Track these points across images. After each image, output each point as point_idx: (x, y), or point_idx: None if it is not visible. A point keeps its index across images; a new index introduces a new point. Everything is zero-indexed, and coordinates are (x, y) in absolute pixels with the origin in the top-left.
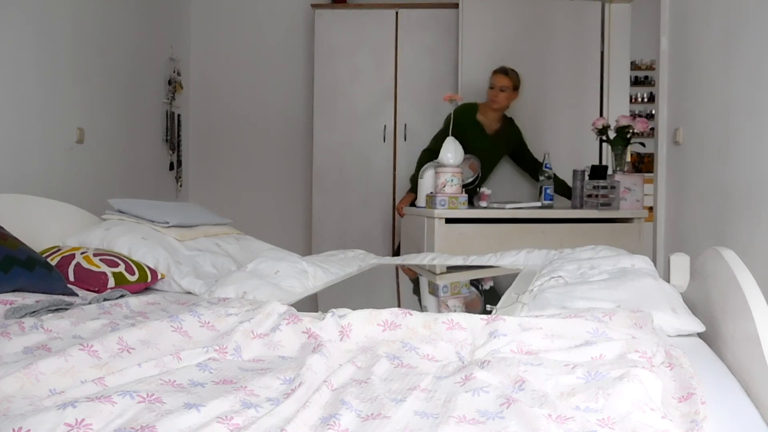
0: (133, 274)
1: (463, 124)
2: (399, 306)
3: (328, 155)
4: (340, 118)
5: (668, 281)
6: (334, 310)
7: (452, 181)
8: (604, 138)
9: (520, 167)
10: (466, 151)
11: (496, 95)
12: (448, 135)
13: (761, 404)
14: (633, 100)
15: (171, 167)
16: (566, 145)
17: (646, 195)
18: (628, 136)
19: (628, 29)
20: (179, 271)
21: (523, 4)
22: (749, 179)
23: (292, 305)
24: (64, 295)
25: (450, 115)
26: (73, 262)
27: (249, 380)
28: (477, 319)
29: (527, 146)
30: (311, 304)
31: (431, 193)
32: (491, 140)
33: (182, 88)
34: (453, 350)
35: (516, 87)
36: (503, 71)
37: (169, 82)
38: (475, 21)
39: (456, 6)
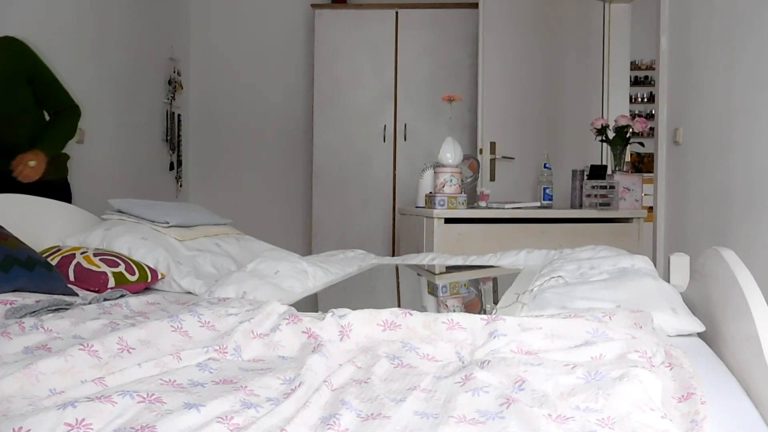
0: (133, 274)
1: None
2: (399, 306)
3: (328, 155)
4: (340, 118)
5: (668, 281)
6: (334, 310)
7: (451, 181)
8: (603, 138)
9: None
10: None
11: None
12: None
13: (761, 404)
14: (633, 100)
15: (171, 167)
16: (569, 144)
17: (646, 195)
18: (627, 135)
19: (628, 29)
20: (179, 271)
21: (534, 3)
22: (749, 179)
23: (292, 305)
24: (64, 295)
25: None
26: (73, 262)
27: (249, 380)
28: (477, 319)
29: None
30: (311, 304)
31: (430, 192)
32: None
33: (182, 88)
34: (453, 350)
35: None
36: None
37: (169, 82)
38: (492, 21)
39: (461, 6)
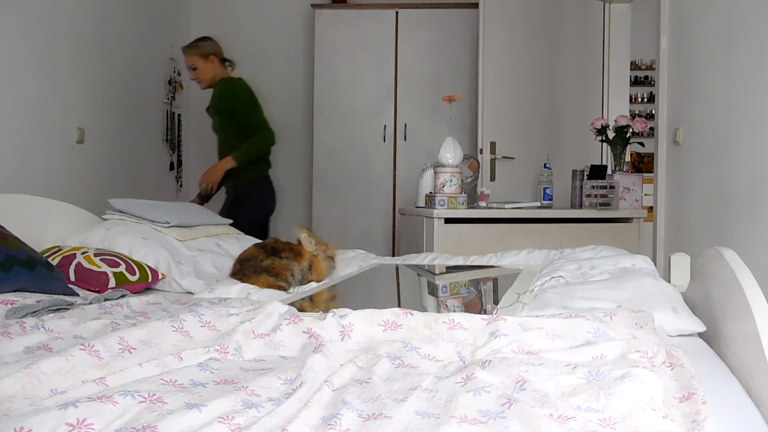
0: (133, 274)
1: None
2: (399, 306)
3: (328, 155)
4: (340, 118)
5: (669, 281)
6: (334, 310)
7: (451, 181)
8: (603, 138)
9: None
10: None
11: (193, 76)
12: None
13: (762, 404)
14: (633, 100)
15: (171, 167)
16: (569, 144)
17: (646, 195)
18: (627, 135)
19: (628, 29)
20: (180, 271)
21: (534, 3)
22: (749, 179)
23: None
24: (65, 295)
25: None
26: (74, 262)
27: (250, 380)
28: (478, 319)
29: (243, 111)
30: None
31: (430, 192)
32: (210, 108)
33: (182, 88)
34: (454, 350)
35: (206, 54)
36: (183, 51)
37: (169, 82)
38: (492, 20)
39: (461, 6)
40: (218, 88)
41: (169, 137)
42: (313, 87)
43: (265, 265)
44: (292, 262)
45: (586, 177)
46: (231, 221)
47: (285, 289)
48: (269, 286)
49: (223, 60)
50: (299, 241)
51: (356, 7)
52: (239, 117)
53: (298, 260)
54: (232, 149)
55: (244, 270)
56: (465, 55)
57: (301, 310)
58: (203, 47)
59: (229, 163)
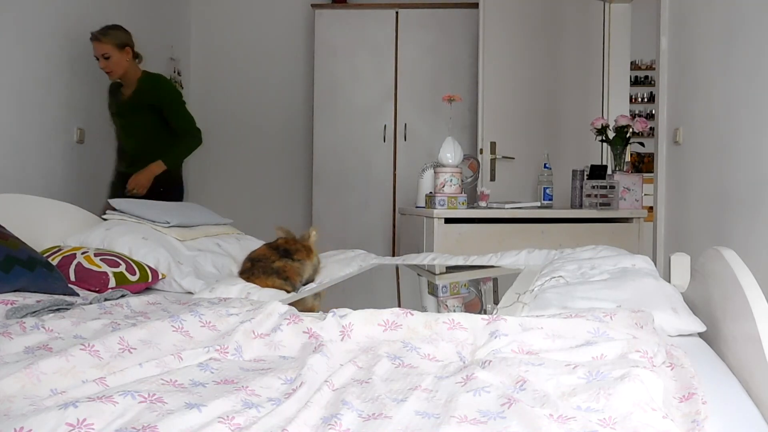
0: (134, 274)
1: (111, 99)
2: (399, 306)
3: (328, 155)
4: (340, 118)
5: (669, 281)
6: (334, 310)
7: (451, 181)
8: (603, 138)
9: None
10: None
11: (104, 65)
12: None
13: (762, 404)
14: (633, 100)
15: None
16: (569, 144)
17: (646, 195)
18: (627, 135)
19: (628, 29)
20: (180, 271)
21: (534, 3)
22: (749, 179)
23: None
24: (65, 295)
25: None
26: (74, 262)
27: (250, 380)
28: (478, 319)
29: (172, 108)
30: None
31: (430, 192)
32: (127, 104)
33: (182, 88)
34: (454, 350)
35: (122, 45)
36: (94, 37)
37: None
38: (492, 20)
39: (461, 6)
40: (143, 83)
41: None
42: (313, 87)
43: (277, 267)
44: (304, 264)
45: (586, 177)
46: (231, 221)
47: (289, 292)
48: (275, 288)
49: (134, 53)
50: (305, 237)
51: (356, 7)
52: (167, 115)
53: (311, 257)
54: (156, 149)
55: (254, 269)
56: (465, 55)
57: (311, 310)
58: (119, 36)
59: (160, 167)
